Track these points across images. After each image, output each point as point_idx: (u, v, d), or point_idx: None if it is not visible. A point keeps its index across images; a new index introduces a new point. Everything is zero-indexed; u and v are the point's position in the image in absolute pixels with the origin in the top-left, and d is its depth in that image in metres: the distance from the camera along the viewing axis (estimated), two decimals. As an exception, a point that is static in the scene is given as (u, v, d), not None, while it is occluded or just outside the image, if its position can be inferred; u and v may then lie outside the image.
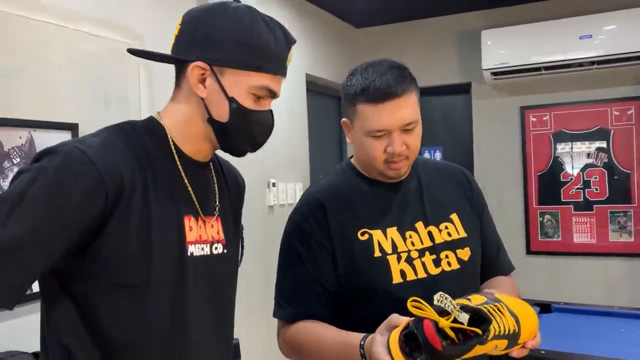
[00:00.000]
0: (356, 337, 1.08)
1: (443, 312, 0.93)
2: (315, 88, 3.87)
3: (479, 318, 0.95)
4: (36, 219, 0.85)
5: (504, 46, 3.76)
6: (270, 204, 3.20)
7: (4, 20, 1.83)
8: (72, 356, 0.93)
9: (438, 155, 4.35)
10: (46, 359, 0.97)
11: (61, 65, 2.01)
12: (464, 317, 0.92)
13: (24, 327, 1.63)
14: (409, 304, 0.92)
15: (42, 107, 1.93)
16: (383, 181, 1.32)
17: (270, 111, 1.04)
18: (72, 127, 2.01)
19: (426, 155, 4.30)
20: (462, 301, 0.98)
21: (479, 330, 0.93)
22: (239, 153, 1.07)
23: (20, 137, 1.86)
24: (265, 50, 0.98)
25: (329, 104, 4.18)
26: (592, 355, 1.97)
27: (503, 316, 0.99)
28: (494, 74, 3.81)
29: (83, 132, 2.00)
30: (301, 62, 3.62)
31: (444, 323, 0.91)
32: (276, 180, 3.26)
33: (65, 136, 1.98)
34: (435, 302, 0.92)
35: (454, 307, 0.91)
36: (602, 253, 3.79)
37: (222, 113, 0.99)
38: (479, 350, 0.95)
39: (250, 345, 2.82)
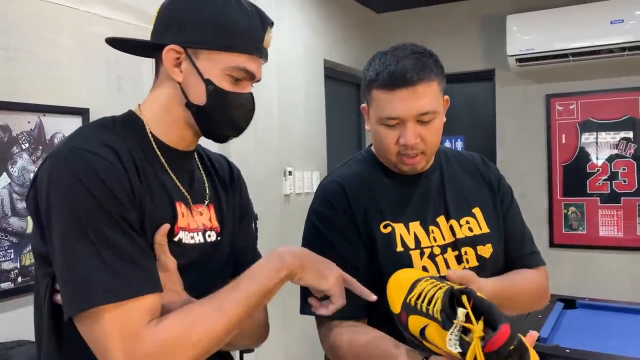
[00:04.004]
0: None
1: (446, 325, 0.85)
2: (333, 74, 3.78)
3: (456, 299, 0.88)
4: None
5: (530, 31, 3.63)
6: (287, 192, 3.15)
7: (12, 0, 1.78)
8: (63, 334, 0.92)
9: (459, 145, 4.24)
10: (40, 338, 0.96)
11: (71, 48, 1.96)
12: (462, 312, 0.84)
13: (31, 316, 1.61)
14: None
15: (52, 91, 1.89)
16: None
17: (251, 94, 1.02)
18: (83, 112, 1.96)
19: (447, 144, 4.20)
20: (418, 319, 0.91)
21: (482, 296, 0.87)
22: (222, 138, 1.04)
23: (29, 122, 1.82)
24: (237, 30, 0.96)
25: (347, 90, 4.09)
26: (620, 356, 1.89)
27: (437, 280, 0.95)
28: (519, 60, 3.68)
29: (94, 117, 1.95)
30: (319, 47, 3.53)
31: (477, 330, 0.81)
32: (292, 168, 3.20)
33: (75, 121, 1.93)
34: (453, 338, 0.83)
35: (459, 316, 0.83)
36: (629, 247, 3.66)
37: (199, 96, 0.97)
38: None
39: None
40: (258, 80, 1.02)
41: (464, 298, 0.86)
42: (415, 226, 1.20)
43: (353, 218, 1.20)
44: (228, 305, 0.88)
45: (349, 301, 1.16)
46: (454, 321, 0.83)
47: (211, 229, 1.05)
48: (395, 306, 1.01)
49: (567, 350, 1.90)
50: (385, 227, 1.20)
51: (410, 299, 0.96)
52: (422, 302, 0.92)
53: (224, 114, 0.99)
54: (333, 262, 1.17)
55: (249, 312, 0.91)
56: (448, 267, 1.18)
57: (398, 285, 1.03)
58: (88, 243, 0.83)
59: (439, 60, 1.20)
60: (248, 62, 0.97)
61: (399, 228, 1.20)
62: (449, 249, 1.20)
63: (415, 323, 0.93)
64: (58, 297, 0.89)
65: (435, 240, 1.20)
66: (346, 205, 1.21)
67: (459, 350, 0.81)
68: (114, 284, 0.83)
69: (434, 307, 0.88)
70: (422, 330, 0.91)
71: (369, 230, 1.19)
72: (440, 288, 0.91)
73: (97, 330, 0.82)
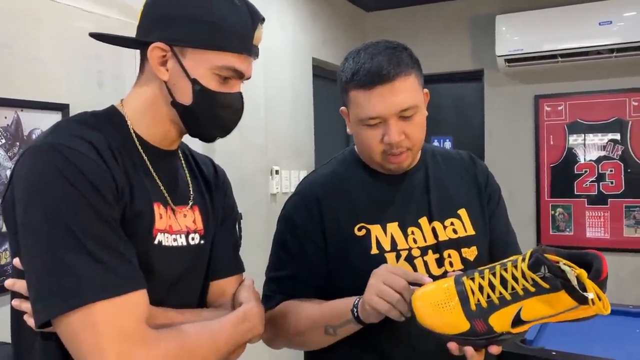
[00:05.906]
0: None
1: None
2: (322, 73, 3.76)
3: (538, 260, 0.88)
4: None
5: (519, 32, 3.63)
6: (273, 191, 3.12)
7: (-11, -8, 1.74)
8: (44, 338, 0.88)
9: (448, 145, 4.23)
10: (17, 339, 0.94)
11: (51, 42, 1.92)
12: (565, 266, 0.87)
13: (6, 317, 1.56)
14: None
15: (31, 86, 1.85)
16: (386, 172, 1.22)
17: (239, 93, 0.98)
18: (63, 108, 1.92)
19: (435, 144, 4.19)
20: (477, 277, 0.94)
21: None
22: (208, 138, 1.01)
23: (6, 117, 1.77)
24: (226, 27, 0.92)
25: (336, 89, 4.06)
26: (605, 358, 1.87)
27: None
28: (508, 61, 3.67)
29: (74, 113, 1.90)
30: (308, 46, 3.51)
31: (583, 272, 0.88)
32: (279, 167, 3.17)
33: (54, 117, 1.89)
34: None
35: (567, 271, 0.86)
36: (615, 249, 3.66)
37: (185, 95, 0.93)
38: None
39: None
40: (248, 78, 0.99)
41: (551, 256, 0.87)
42: (392, 227, 1.18)
43: (322, 229, 1.19)
44: (225, 346, 0.93)
45: (287, 295, 1.19)
46: (570, 276, 0.85)
47: (195, 231, 1.01)
48: (458, 324, 0.92)
49: (553, 353, 1.89)
50: (359, 229, 1.17)
51: (475, 304, 0.91)
52: (494, 294, 0.90)
53: (211, 114, 0.95)
54: (287, 265, 1.21)
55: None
56: (428, 269, 1.16)
57: (437, 305, 0.93)
58: (74, 239, 0.79)
59: (414, 53, 1.18)
60: (237, 61, 0.94)
61: (375, 230, 1.17)
62: (430, 251, 1.18)
63: (501, 318, 0.90)
64: (30, 319, 0.84)
65: (415, 241, 1.17)
66: (316, 215, 1.20)
67: (592, 296, 0.85)
68: (107, 279, 0.79)
69: (520, 285, 0.88)
70: (517, 316, 0.89)
71: (342, 236, 1.18)
72: (504, 268, 0.90)
73: (87, 331, 0.77)
